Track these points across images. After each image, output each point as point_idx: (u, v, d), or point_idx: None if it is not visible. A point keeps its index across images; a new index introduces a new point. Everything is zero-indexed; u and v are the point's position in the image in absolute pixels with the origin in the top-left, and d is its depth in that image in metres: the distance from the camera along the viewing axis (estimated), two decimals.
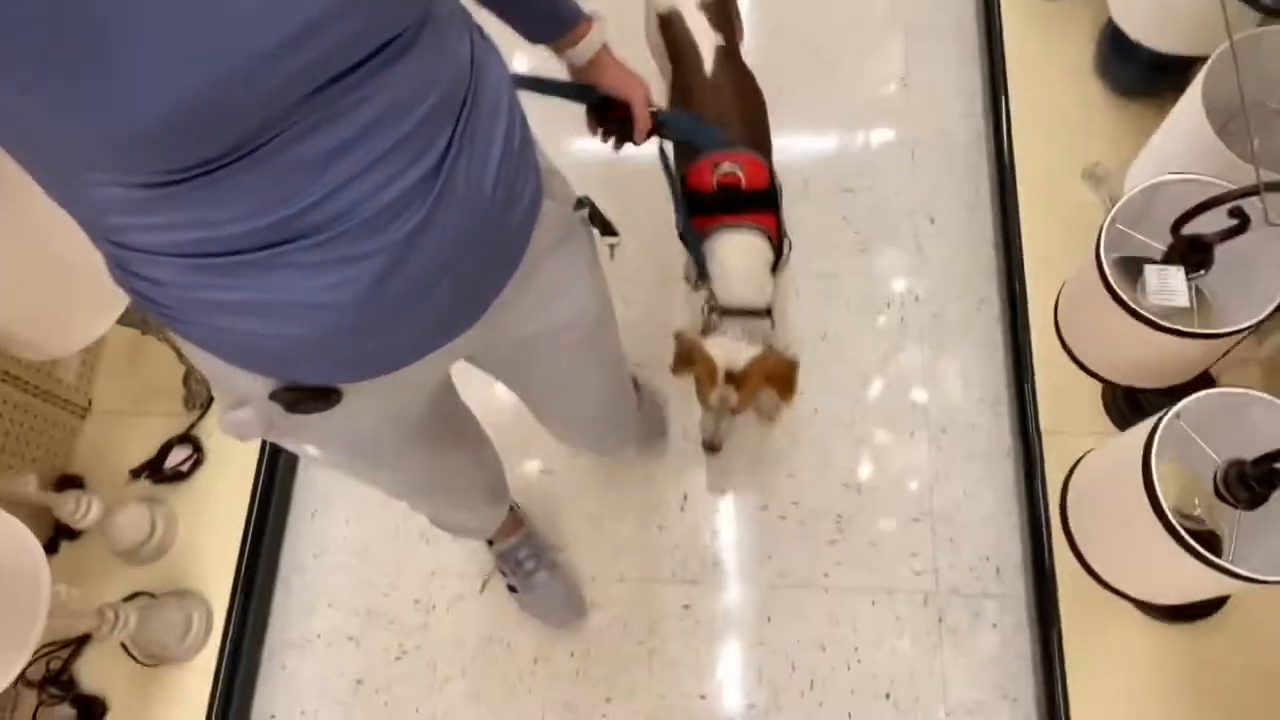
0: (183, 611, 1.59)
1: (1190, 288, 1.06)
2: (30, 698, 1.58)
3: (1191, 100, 1.21)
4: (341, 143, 0.65)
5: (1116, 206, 1.08)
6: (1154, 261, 1.08)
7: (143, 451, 1.74)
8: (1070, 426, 1.59)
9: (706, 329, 1.48)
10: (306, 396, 0.82)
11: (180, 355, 1.72)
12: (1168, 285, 1.06)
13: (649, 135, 1.14)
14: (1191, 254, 1.04)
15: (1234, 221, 0.98)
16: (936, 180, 1.95)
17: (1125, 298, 1.04)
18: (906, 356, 1.81)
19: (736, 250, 1.47)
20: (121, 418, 1.81)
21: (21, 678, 1.57)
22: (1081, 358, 1.20)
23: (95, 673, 1.63)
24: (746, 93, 1.58)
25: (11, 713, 1.56)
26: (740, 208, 1.47)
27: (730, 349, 1.43)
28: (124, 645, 1.59)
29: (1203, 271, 1.04)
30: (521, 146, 0.83)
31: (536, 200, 0.88)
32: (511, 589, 1.67)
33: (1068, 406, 1.61)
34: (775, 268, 1.52)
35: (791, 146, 1.94)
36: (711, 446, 1.55)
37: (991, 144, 1.91)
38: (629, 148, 1.19)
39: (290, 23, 0.58)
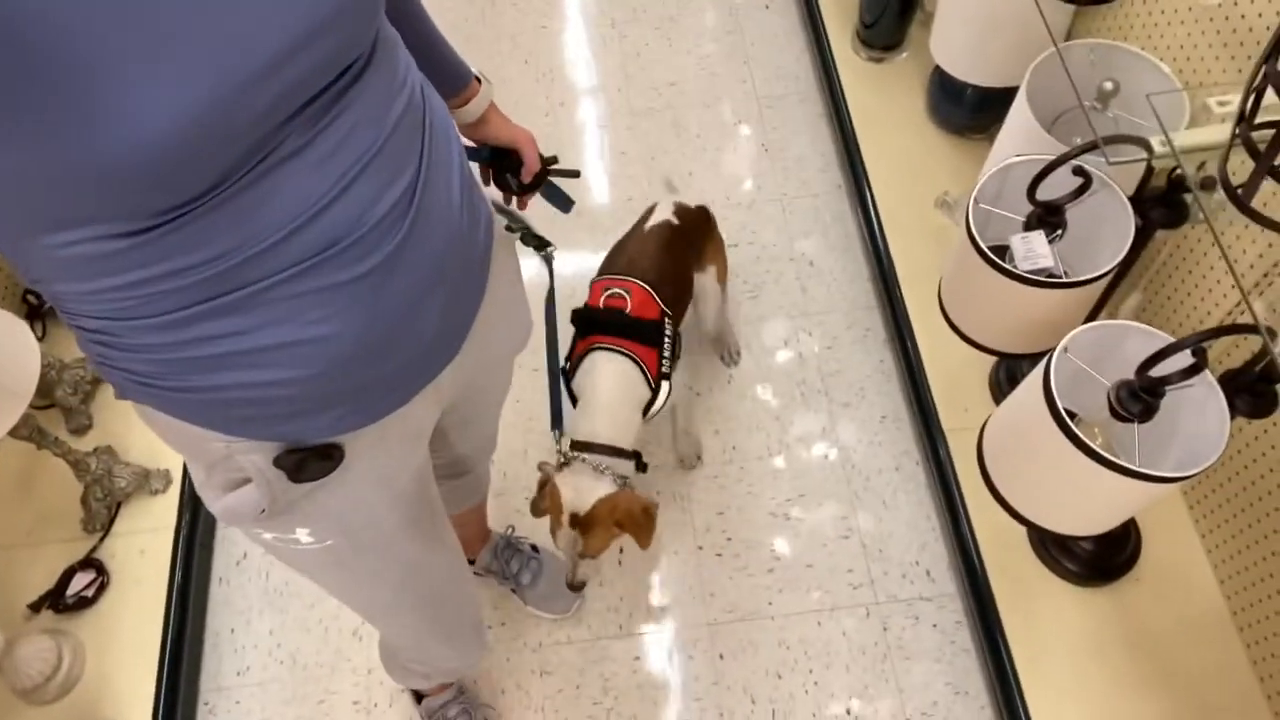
0: None
1: (1054, 252, 1.19)
2: None
3: (1019, 108, 1.39)
4: (324, 162, 0.65)
5: (976, 187, 1.22)
6: (1016, 233, 1.21)
7: (41, 582, 1.62)
8: (968, 423, 1.70)
9: (562, 464, 1.41)
10: (311, 457, 0.80)
11: (78, 471, 1.63)
12: (1033, 249, 1.19)
13: (535, 182, 1.18)
14: (1048, 217, 1.17)
15: (1079, 181, 1.13)
16: (807, 228, 2.11)
17: (999, 261, 1.16)
18: (808, 387, 1.90)
19: (605, 374, 1.45)
20: (15, 551, 1.68)
21: None
22: (970, 333, 1.32)
23: None
24: (671, 256, 1.59)
25: None
26: (622, 332, 1.47)
27: (579, 487, 1.38)
28: None
29: (1060, 232, 1.18)
30: (464, 169, 0.85)
31: (490, 218, 0.91)
32: None
33: (960, 403, 1.72)
34: (648, 411, 1.49)
35: None
36: (572, 586, 1.49)
37: (852, 189, 2.09)
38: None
39: (277, 41, 0.59)
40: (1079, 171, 1.11)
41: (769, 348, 1.95)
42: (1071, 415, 1.04)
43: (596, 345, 1.48)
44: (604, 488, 1.38)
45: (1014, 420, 1.14)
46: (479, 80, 1.06)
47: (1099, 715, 1.45)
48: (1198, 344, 0.95)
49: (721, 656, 1.65)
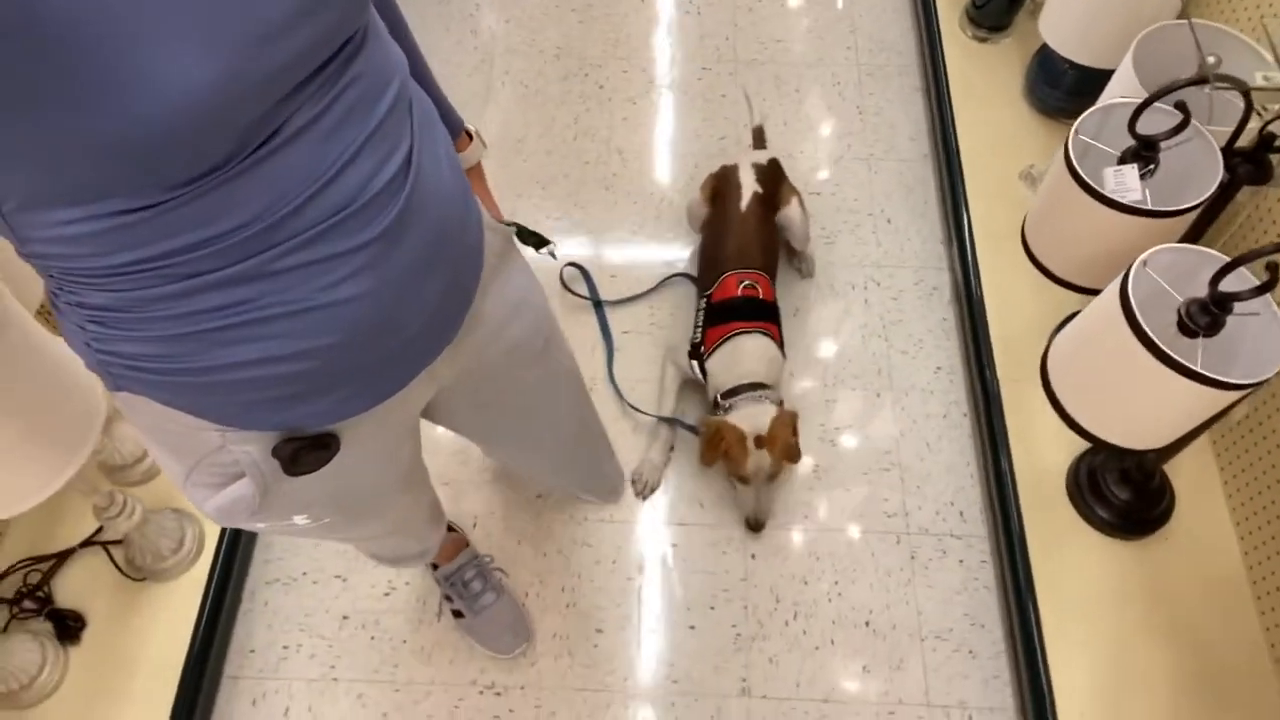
0: (178, 528, 1.57)
1: (1144, 187, 1.27)
2: (3, 612, 1.51)
3: (1124, 69, 1.47)
4: (331, 134, 0.67)
5: (1080, 120, 1.30)
6: (1111, 167, 1.29)
7: None
8: (1021, 376, 1.77)
9: (724, 410, 1.65)
10: (306, 447, 0.80)
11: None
12: (1124, 182, 1.26)
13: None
14: (1143, 152, 1.25)
15: (1177, 118, 1.20)
16: (890, 189, 2.19)
17: (1092, 184, 1.24)
18: (869, 331, 1.98)
19: (750, 351, 1.69)
20: None
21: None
22: (1050, 265, 1.40)
23: (74, 590, 1.57)
24: (767, 231, 1.86)
25: None
26: (754, 315, 1.72)
27: (752, 414, 1.61)
28: (110, 555, 1.55)
29: (1152, 168, 1.26)
30: (456, 157, 0.87)
31: (480, 210, 0.92)
32: (457, 614, 1.62)
33: (1017, 360, 1.80)
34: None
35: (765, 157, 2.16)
36: (755, 525, 1.69)
37: (940, 157, 2.17)
38: None
39: (284, 7, 0.61)
40: (1180, 106, 1.19)
41: (837, 291, 2.04)
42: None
43: (737, 331, 1.71)
44: (771, 410, 1.62)
45: (1086, 330, 1.22)
46: (469, 135, 1.05)
47: (1110, 660, 1.51)
48: (1272, 253, 1.02)
49: (753, 556, 1.73)
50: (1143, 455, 1.55)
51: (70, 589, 1.57)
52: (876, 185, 2.19)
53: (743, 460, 1.59)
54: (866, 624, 1.66)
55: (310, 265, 0.69)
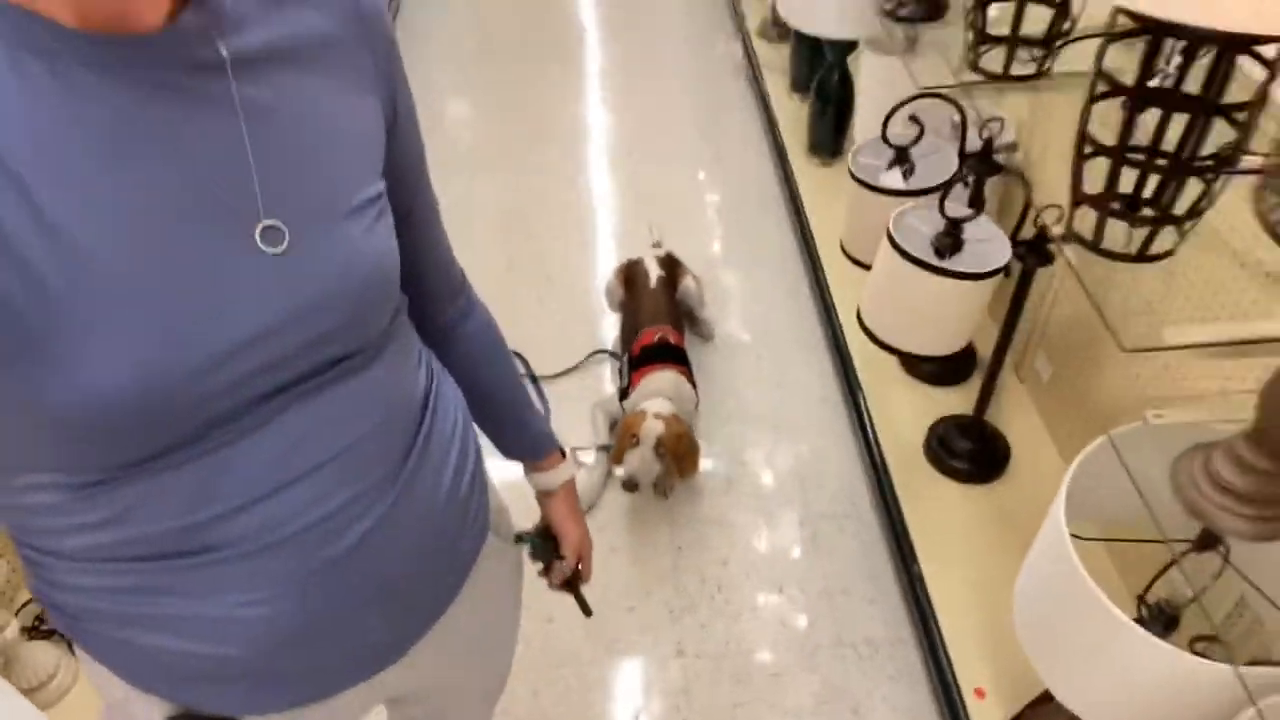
0: None
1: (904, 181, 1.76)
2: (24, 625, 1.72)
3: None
4: (277, 453, 0.65)
5: (856, 147, 1.81)
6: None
7: None
8: (879, 373, 2.17)
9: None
10: None
11: None
12: (889, 181, 1.76)
13: (563, 583, 1.11)
14: (901, 160, 1.75)
15: (916, 128, 1.71)
16: (753, 260, 2.68)
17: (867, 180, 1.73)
18: (761, 378, 2.39)
19: (663, 375, 2.07)
20: None
21: None
22: (856, 254, 1.85)
23: None
24: (671, 301, 2.33)
25: None
26: (667, 357, 2.13)
27: (654, 403, 1.98)
28: None
29: (908, 166, 1.75)
30: (472, 481, 0.85)
31: (485, 526, 0.90)
32: None
33: (871, 361, 2.21)
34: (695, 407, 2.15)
35: None
36: (630, 485, 1.92)
37: (807, 260, 2.69)
38: None
39: (253, 324, 0.61)
40: (914, 119, 1.71)
41: (733, 348, 2.47)
42: None
43: (654, 370, 2.09)
44: (671, 407, 1.98)
45: (877, 273, 1.65)
46: (564, 454, 1.05)
47: (977, 576, 1.80)
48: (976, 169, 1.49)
49: (680, 549, 2.02)
50: (972, 418, 1.94)
51: None
52: (735, 257, 2.69)
53: (637, 423, 1.92)
54: (780, 590, 1.93)
55: (234, 575, 0.67)
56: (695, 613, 1.90)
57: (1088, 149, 1.07)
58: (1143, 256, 1.08)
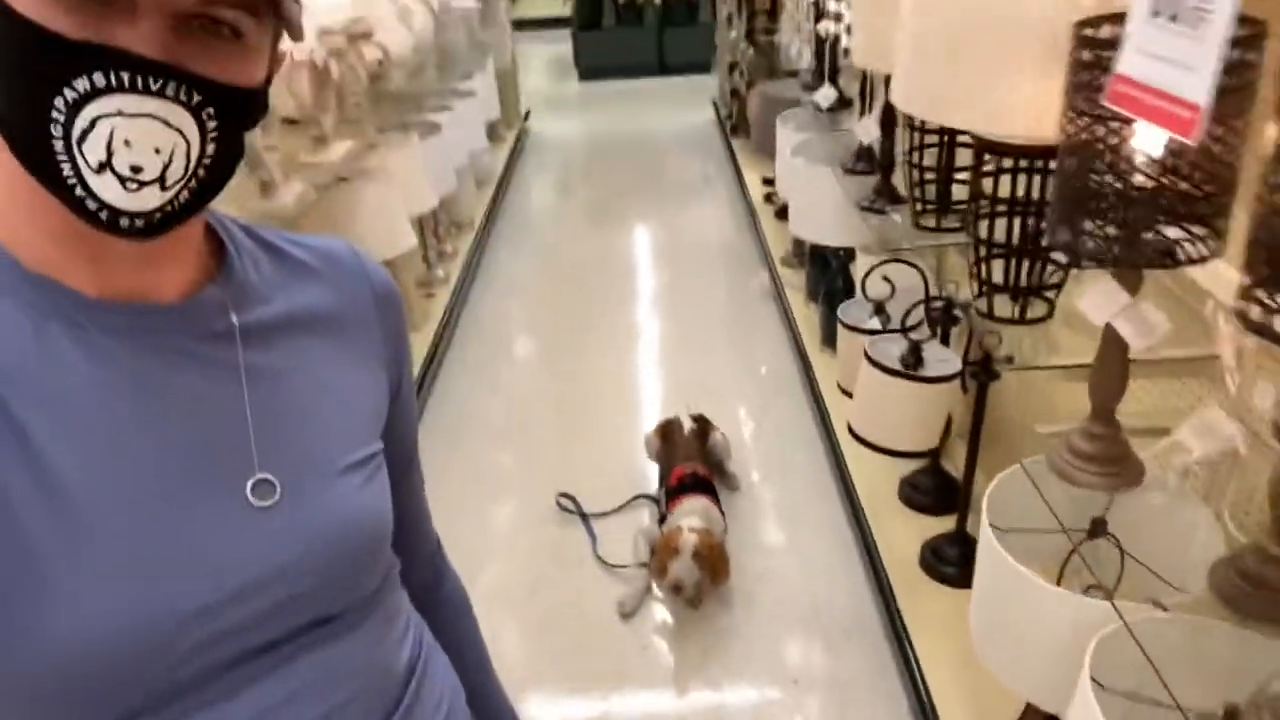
0: None
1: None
2: None
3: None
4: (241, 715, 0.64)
5: (844, 305, 2.30)
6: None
7: None
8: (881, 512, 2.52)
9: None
10: None
11: None
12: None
13: None
14: (879, 311, 2.23)
15: (889, 286, 2.21)
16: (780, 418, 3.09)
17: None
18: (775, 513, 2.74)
19: (693, 501, 2.47)
20: None
21: None
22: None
23: None
24: (702, 450, 2.77)
25: None
26: (697, 488, 2.54)
27: (688, 518, 2.36)
28: None
29: (885, 316, 2.22)
30: None
31: None
32: None
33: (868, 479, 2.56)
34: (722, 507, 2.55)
35: None
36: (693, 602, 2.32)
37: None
38: None
39: (234, 580, 0.62)
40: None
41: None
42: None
43: (686, 499, 2.50)
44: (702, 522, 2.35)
45: (860, 391, 2.08)
46: None
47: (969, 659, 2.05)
48: (928, 306, 1.96)
49: (705, 651, 2.29)
50: (955, 531, 2.27)
51: None
52: (764, 406, 3.11)
53: (676, 537, 2.26)
54: (796, 682, 2.18)
55: None
56: (726, 696, 2.16)
57: (981, 252, 1.55)
58: (1024, 320, 1.52)
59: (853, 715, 2.09)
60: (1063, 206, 1.14)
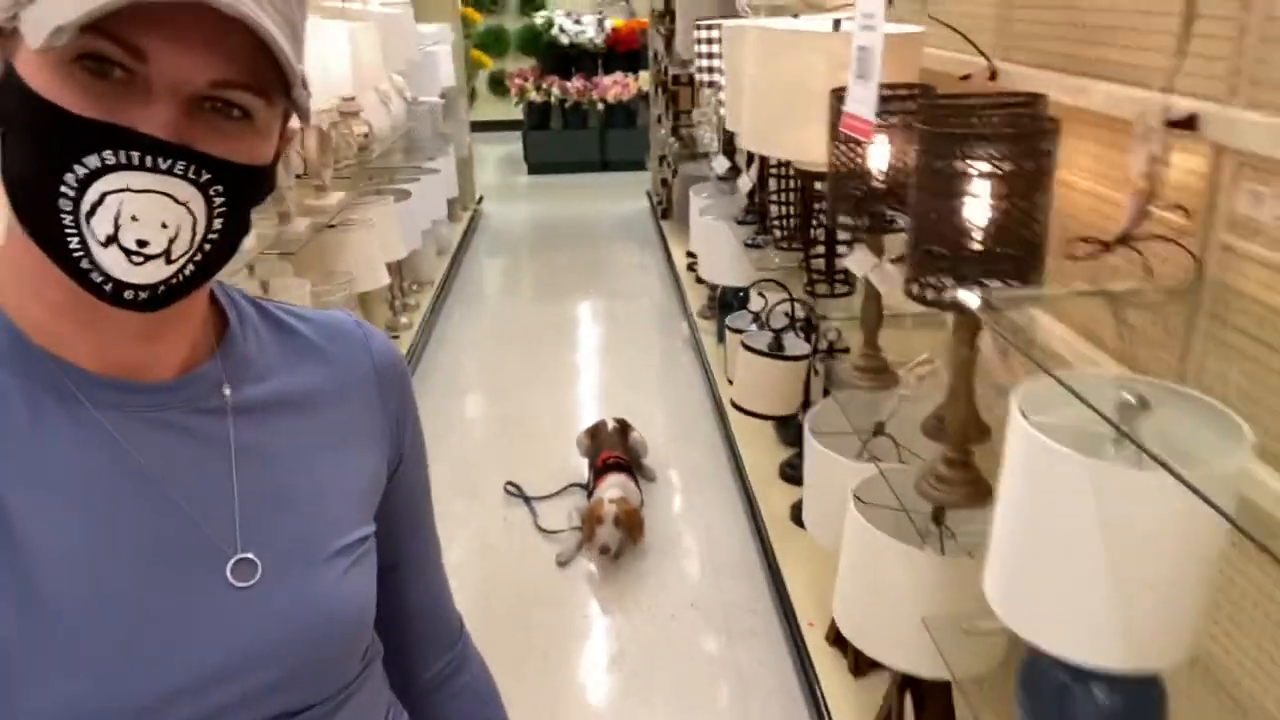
0: None
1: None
2: None
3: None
4: None
5: (746, 334, 2.99)
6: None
7: None
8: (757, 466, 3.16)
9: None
10: None
11: None
12: (754, 339, 2.92)
13: None
14: (756, 319, 2.92)
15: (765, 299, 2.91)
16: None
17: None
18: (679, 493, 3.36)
19: (614, 477, 3.12)
20: None
21: None
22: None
23: None
24: (624, 446, 3.40)
25: None
26: (620, 468, 3.19)
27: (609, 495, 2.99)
28: None
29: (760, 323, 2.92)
30: None
31: None
32: None
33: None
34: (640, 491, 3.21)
35: None
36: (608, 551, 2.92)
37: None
38: None
39: (203, 664, 0.61)
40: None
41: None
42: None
43: (608, 476, 3.14)
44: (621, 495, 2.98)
45: (739, 372, 2.75)
46: None
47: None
48: (791, 310, 2.66)
49: (625, 591, 2.87)
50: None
51: None
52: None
53: (599, 508, 2.87)
54: (691, 605, 2.77)
55: None
56: (637, 621, 2.73)
57: (809, 251, 2.26)
58: (834, 295, 2.22)
59: (736, 625, 2.67)
60: (834, 204, 1.85)
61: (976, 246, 1.30)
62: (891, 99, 1.63)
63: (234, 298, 0.75)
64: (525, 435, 3.89)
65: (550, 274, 6.23)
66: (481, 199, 7.43)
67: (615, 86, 8.59)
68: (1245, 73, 1.13)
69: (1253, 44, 1.12)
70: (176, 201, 0.58)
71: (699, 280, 5.07)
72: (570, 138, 8.83)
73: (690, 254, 5.35)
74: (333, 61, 2.97)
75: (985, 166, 1.25)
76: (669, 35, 5.61)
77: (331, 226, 3.49)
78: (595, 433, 3.47)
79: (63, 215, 0.57)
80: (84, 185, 0.56)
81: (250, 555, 0.66)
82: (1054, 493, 0.92)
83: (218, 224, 0.61)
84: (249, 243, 2.36)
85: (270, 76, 0.60)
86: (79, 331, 0.63)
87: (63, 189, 0.56)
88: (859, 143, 1.74)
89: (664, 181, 6.59)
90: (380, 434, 0.79)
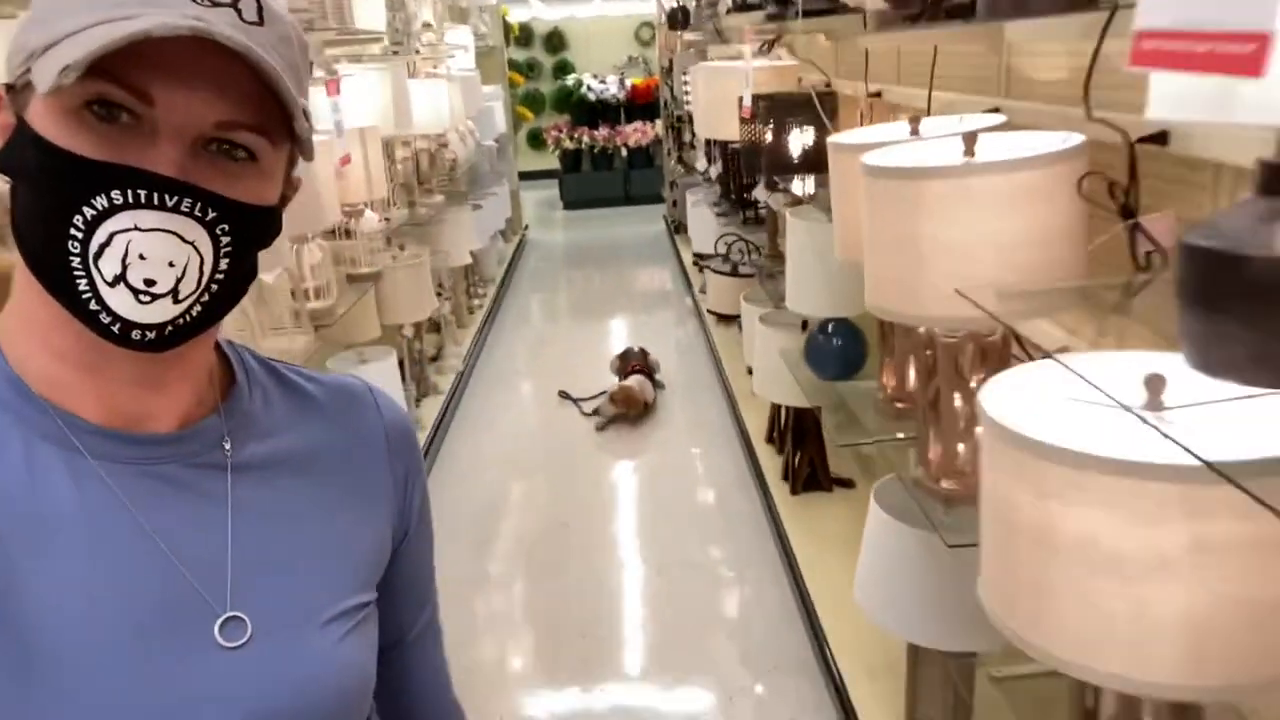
0: None
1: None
2: None
3: None
4: None
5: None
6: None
7: None
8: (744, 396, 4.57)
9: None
10: None
11: None
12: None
13: None
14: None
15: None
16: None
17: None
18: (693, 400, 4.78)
19: (638, 376, 4.59)
20: None
21: None
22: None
23: None
24: (645, 363, 4.84)
25: None
26: (640, 373, 4.65)
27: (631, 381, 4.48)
28: None
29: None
30: None
31: None
32: None
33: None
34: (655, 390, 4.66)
35: None
36: (602, 426, 4.39)
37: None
38: None
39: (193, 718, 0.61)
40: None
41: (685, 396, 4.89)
42: None
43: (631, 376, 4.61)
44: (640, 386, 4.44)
45: (710, 284, 4.19)
46: None
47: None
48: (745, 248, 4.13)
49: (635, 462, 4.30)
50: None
51: None
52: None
53: (624, 386, 4.31)
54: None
55: None
56: (650, 457, 4.15)
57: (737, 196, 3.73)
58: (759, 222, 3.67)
59: (710, 448, 4.07)
60: (749, 166, 3.31)
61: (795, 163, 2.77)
62: (759, 98, 3.12)
63: (243, 356, 0.76)
64: (570, 366, 5.38)
65: (584, 276, 7.78)
66: (527, 226, 9.03)
67: (635, 133, 10.22)
68: None
69: None
70: (184, 240, 0.59)
71: (701, 270, 6.55)
72: (599, 178, 10.45)
73: (696, 254, 6.83)
74: (439, 105, 4.53)
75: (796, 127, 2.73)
76: (673, 86, 7.22)
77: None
78: (625, 356, 4.90)
79: (71, 258, 0.58)
80: (92, 226, 0.57)
81: (240, 614, 0.66)
82: None
83: (224, 264, 0.62)
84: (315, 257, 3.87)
85: (274, 118, 0.62)
86: (83, 379, 0.64)
87: (72, 231, 0.57)
88: (748, 121, 3.23)
89: (674, 203, 8.12)
90: (388, 499, 0.80)
